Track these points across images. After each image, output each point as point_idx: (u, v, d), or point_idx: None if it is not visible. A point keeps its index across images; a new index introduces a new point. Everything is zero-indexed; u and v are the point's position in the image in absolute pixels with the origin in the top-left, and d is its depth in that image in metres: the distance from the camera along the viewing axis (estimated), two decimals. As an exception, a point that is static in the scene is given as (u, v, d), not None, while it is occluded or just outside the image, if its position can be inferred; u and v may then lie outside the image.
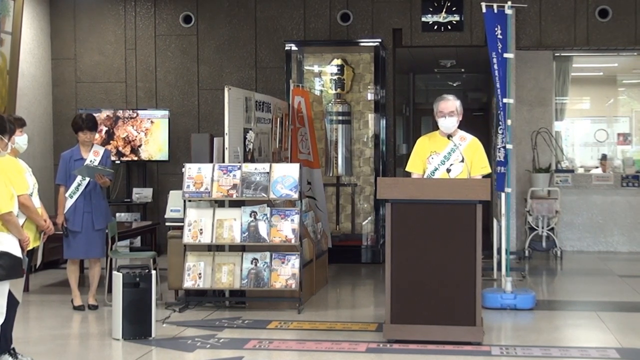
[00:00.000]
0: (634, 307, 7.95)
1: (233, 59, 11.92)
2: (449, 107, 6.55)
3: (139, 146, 11.47)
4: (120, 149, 11.42)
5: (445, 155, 6.58)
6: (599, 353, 6.14)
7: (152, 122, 11.48)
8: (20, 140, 6.02)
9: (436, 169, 6.58)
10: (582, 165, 13.04)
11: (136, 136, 11.43)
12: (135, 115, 11.48)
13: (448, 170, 6.56)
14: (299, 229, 7.55)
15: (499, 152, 8.21)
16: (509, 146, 8.00)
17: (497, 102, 8.06)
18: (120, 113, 11.47)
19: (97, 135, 10.83)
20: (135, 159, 11.50)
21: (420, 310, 6.20)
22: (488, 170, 6.66)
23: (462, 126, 6.78)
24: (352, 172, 11.60)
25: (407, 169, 6.76)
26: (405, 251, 6.21)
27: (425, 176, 6.60)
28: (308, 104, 10.01)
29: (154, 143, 11.48)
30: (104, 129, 11.36)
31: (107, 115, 11.42)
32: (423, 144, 6.74)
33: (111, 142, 11.38)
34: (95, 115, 8.48)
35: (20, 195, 5.47)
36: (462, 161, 6.55)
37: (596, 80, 14.36)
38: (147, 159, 11.54)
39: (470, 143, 6.65)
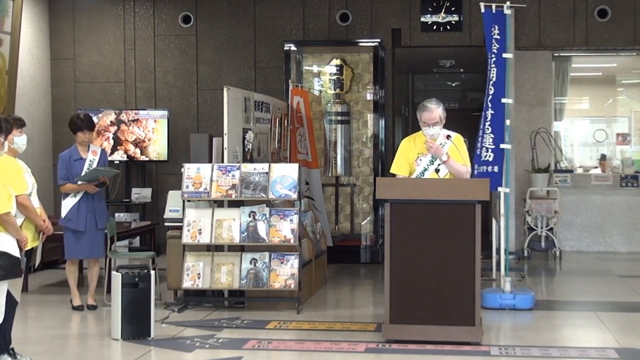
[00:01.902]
0: (633, 307, 7.95)
1: (232, 59, 11.92)
2: (433, 118, 6.51)
3: (146, 147, 11.46)
4: (130, 152, 11.40)
5: (433, 155, 6.56)
6: (598, 353, 6.14)
7: (155, 121, 11.48)
8: (20, 140, 6.03)
9: (425, 170, 6.56)
10: (581, 165, 13.05)
11: (144, 137, 11.41)
12: (137, 117, 11.45)
13: (437, 171, 6.54)
14: (298, 229, 7.55)
15: (486, 152, 8.12)
16: (506, 146, 7.94)
17: (485, 102, 7.95)
18: (123, 117, 11.44)
19: (105, 144, 10.98)
20: (147, 159, 11.49)
21: (419, 310, 6.20)
22: (468, 165, 6.59)
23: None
24: (351, 172, 11.60)
25: (393, 170, 6.68)
26: (405, 251, 6.21)
27: (414, 177, 6.57)
28: (307, 104, 10.01)
29: (158, 141, 11.48)
30: (110, 135, 11.35)
31: (111, 122, 11.39)
32: (409, 145, 6.69)
33: (119, 147, 11.37)
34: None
35: (19, 195, 5.47)
36: None
37: (595, 81, 14.36)
38: (157, 159, 11.53)
39: (454, 140, 6.61)
